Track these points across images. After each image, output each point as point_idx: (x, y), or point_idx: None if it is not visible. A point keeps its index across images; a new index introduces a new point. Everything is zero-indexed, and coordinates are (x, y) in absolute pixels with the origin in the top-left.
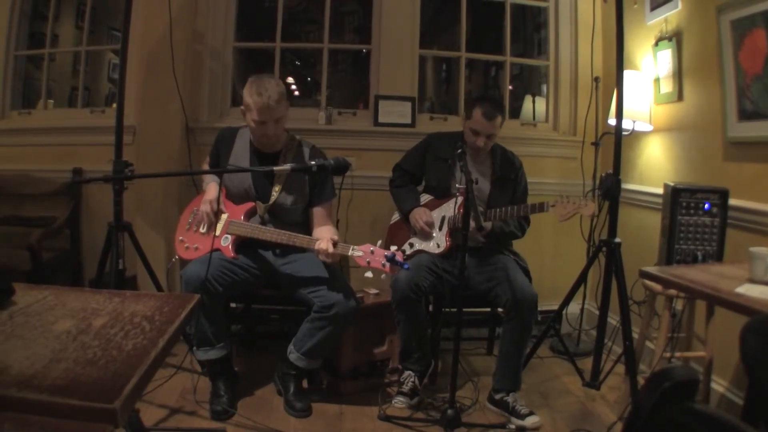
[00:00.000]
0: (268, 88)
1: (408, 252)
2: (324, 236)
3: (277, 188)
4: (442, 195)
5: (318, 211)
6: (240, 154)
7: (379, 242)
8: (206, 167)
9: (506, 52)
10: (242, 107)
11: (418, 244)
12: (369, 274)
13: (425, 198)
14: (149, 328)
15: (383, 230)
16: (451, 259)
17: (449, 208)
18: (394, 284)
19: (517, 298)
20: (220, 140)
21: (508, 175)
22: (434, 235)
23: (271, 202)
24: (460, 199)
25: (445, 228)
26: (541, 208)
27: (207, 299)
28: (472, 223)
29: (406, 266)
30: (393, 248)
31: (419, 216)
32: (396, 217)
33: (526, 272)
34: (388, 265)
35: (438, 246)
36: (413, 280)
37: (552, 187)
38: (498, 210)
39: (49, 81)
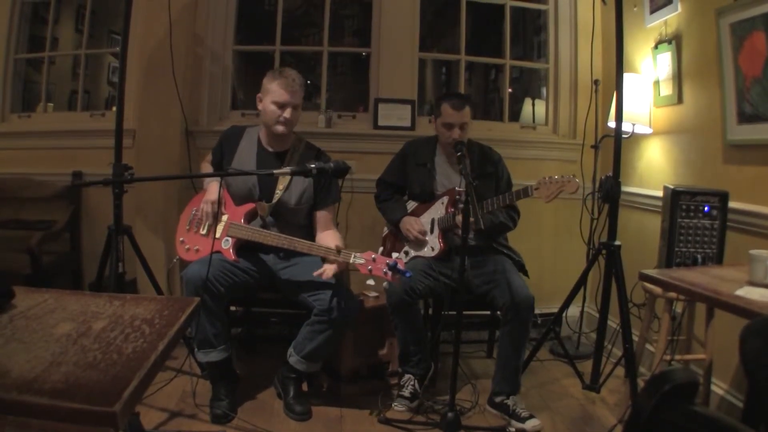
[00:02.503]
0: (291, 73)
1: (404, 260)
2: (328, 241)
3: (281, 188)
4: (426, 199)
5: (322, 215)
6: (246, 152)
7: (380, 249)
8: (206, 165)
9: (506, 55)
10: (258, 95)
11: (413, 252)
12: (371, 282)
13: (411, 205)
14: (149, 331)
15: (382, 233)
16: (447, 262)
17: (437, 210)
18: (389, 288)
19: (515, 301)
20: (224, 138)
21: (487, 170)
22: (427, 239)
23: (274, 201)
24: (446, 199)
25: (436, 230)
26: (525, 193)
27: (209, 299)
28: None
29: (408, 274)
30: (395, 255)
31: (411, 226)
32: (386, 230)
33: (522, 267)
34: (389, 273)
35: (432, 249)
36: (408, 284)
37: None
38: (483, 203)
39: (49, 84)
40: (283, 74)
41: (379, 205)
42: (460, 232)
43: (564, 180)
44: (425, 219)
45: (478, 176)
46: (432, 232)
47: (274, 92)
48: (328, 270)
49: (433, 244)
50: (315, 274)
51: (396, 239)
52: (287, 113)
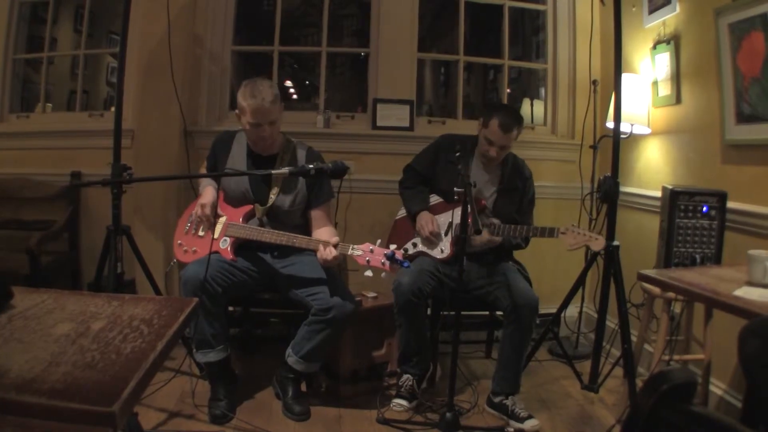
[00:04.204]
0: (261, 90)
1: (410, 252)
2: (324, 238)
3: (274, 191)
4: (452, 199)
5: (317, 213)
6: (237, 157)
7: (378, 241)
8: (203, 171)
9: (504, 56)
10: (236, 111)
11: (421, 246)
12: (369, 273)
13: (434, 199)
14: (148, 331)
15: (382, 234)
16: (453, 265)
17: (457, 215)
18: (397, 288)
19: (517, 303)
20: (217, 144)
21: (515, 184)
22: (438, 240)
23: (268, 204)
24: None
25: (451, 234)
26: (551, 233)
27: (207, 300)
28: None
29: (405, 264)
30: (392, 247)
31: (425, 223)
32: (403, 212)
33: (527, 280)
34: (387, 263)
35: (442, 251)
36: (416, 285)
37: (550, 190)
38: (507, 227)
39: (47, 84)
40: (253, 93)
41: (402, 190)
42: (473, 243)
43: (592, 236)
44: (443, 219)
45: (505, 189)
46: (446, 234)
47: (247, 113)
48: (327, 258)
49: (444, 247)
50: (319, 258)
51: (408, 227)
52: (264, 132)
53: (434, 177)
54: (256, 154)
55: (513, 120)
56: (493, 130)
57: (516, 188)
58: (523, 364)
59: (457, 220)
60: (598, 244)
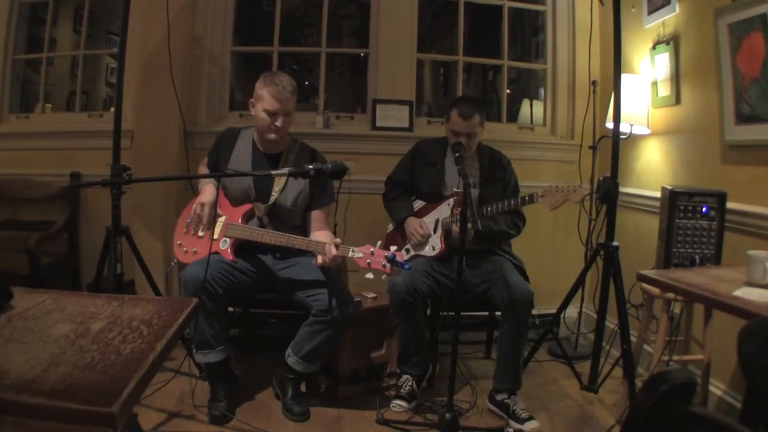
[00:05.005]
0: (282, 80)
1: (405, 258)
2: (324, 240)
3: (277, 189)
4: (434, 199)
5: (317, 215)
6: (241, 154)
7: (379, 243)
8: (203, 168)
9: (504, 56)
10: (251, 100)
11: (414, 250)
12: (369, 276)
13: (418, 204)
14: (147, 332)
15: (381, 234)
16: (447, 262)
17: (443, 211)
18: (392, 288)
19: (513, 297)
20: (220, 141)
21: (495, 175)
22: (428, 239)
23: (270, 202)
24: (453, 201)
25: (440, 231)
26: (531, 199)
27: (207, 301)
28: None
29: (406, 266)
30: (393, 248)
31: (414, 229)
32: (391, 226)
33: (522, 272)
34: (388, 265)
35: (433, 249)
36: (411, 284)
37: None
38: (488, 207)
39: (47, 85)
40: (274, 81)
41: (386, 203)
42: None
43: (570, 189)
44: (429, 219)
45: (487, 181)
46: (435, 232)
47: (265, 100)
48: (321, 258)
49: (434, 244)
50: (313, 263)
51: (399, 237)
52: (279, 122)
53: (413, 183)
54: (260, 152)
55: (471, 106)
56: (454, 120)
57: (497, 179)
58: (522, 359)
59: (444, 215)
60: (577, 195)
